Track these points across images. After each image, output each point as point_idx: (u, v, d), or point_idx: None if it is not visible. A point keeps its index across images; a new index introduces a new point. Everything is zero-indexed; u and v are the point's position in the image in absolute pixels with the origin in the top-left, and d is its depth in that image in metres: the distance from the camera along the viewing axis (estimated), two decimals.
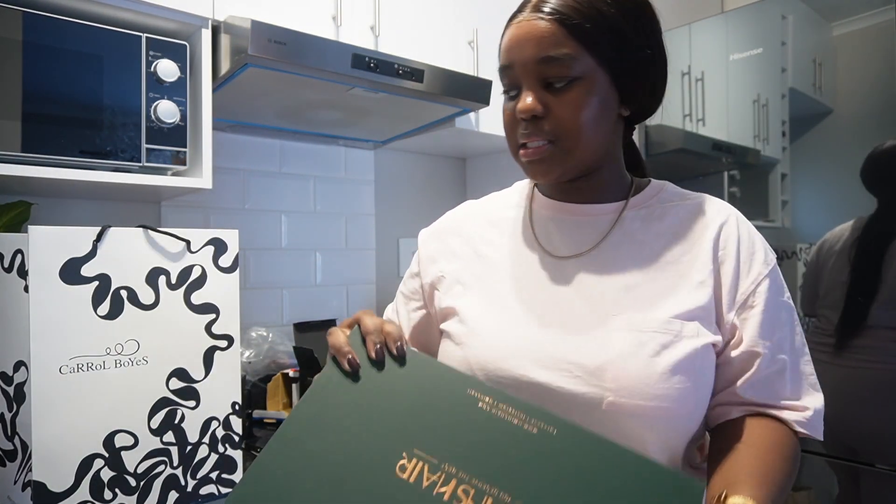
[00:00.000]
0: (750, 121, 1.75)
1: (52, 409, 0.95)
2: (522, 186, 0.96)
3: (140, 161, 1.32)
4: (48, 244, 0.95)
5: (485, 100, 1.78)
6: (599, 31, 0.75)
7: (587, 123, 0.76)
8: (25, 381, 0.95)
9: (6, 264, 1.01)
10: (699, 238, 0.80)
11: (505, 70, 0.79)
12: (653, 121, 1.97)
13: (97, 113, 1.27)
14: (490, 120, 2.01)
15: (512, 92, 0.80)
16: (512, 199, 0.94)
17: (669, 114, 1.93)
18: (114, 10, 1.35)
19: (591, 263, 0.81)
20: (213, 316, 1.12)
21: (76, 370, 0.96)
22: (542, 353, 0.76)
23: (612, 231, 0.82)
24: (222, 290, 1.13)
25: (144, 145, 1.32)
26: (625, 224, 0.83)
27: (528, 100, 0.76)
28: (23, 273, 0.96)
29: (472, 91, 1.74)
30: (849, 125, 1.55)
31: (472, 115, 1.97)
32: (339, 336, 0.70)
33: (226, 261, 1.13)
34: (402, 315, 0.97)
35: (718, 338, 0.76)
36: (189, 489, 1.07)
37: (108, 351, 1.00)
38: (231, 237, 1.14)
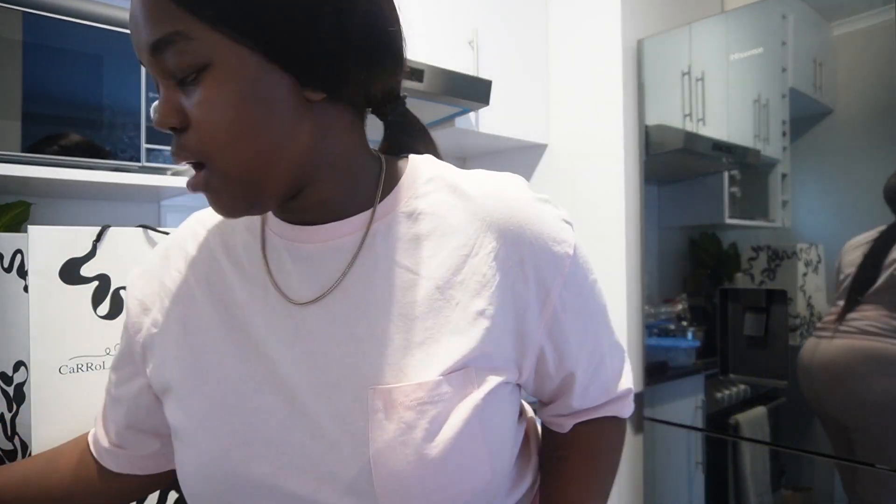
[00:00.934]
0: (750, 121, 1.75)
1: (52, 410, 0.95)
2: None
3: (140, 161, 1.32)
4: (48, 244, 0.94)
5: (485, 100, 1.78)
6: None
7: (236, 126, 0.51)
8: (25, 382, 0.95)
9: (6, 264, 1.01)
10: (476, 245, 0.59)
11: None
12: (653, 121, 1.97)
13: (97, 113, 1.27)
14: (490, 120, 2.01)
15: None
16: (243, 227, 0.67)
17: (669, 114, 1.93)
18: (114, 10, 1.34)
19: (334, 309, 0.59)
20: None
21: (76, 370, 0.96)
22: (296, 454, 0.56)
23: (356, 259, 0.59)
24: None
25: (144, 145, 1.32)
26: (374, 246, 0.59)
27: (160, 104, 0.52)
28: (22, 273, 0.96)
29: (472, 91, 1.74)
30: (849, 125, 1.55)
31: (472, 115, 1.97)
32: None
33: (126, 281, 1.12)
34: (113, 401, 0.74)
35: (510, 375, 0.60)
36: None
37: (107, 351, 0.99)
38: None
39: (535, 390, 0.68)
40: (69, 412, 0.96)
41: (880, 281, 1.51)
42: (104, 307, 0.99)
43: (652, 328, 1.98)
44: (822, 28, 1.61)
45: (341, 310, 0.58)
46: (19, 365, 0.97)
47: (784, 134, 1.69)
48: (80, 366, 0.97)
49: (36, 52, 1.20)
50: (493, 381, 0.57)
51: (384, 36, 0.57)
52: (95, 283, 0.98)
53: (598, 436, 0.72)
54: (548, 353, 0.62)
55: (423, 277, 0.58)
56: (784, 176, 1.69)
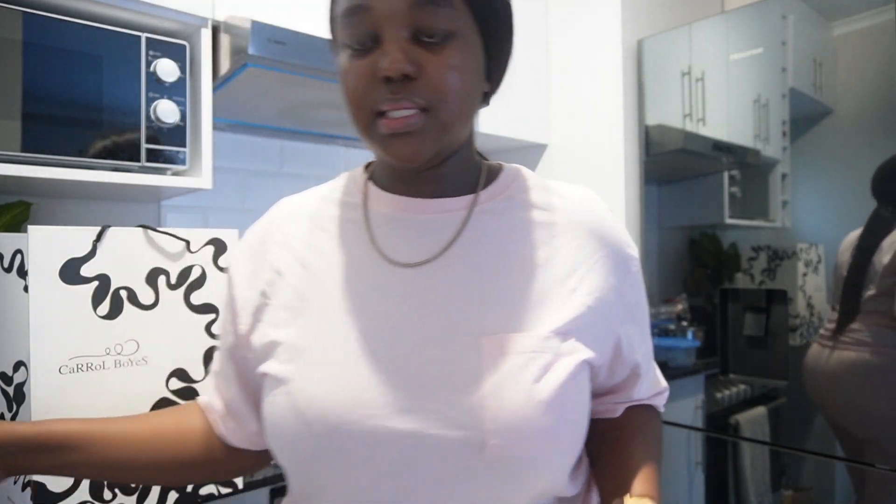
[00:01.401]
0: (750, 121, 1.75)
1: (52, 410, 0.95)
2: (352, 178, 0.75)
3: (140, 161, 1.32)
4: (48, 244, 0.94)
5: (485, 100, 1.78)
6: None
7: (464, 91, 0.61)
8: (25, 382, 0.95)
9: (6, 264, 1.01)
10: (569, 236, 0.67)
11: (357, 13, 0.60)
12: (653, 121, 1.97)
13: (97, 113, 1.27)
14: (490, 120, 2.01)
15: (363, 44, 0.60)
16: (340, 194, 0.74)
17: (669, 114, 1.93)
18: (114, 10, 1.35)
19: (443, 271, 0.65)
20: (213, 316, 1.12)
21: (76, 370, 0.96)
22: (400, 394, 0.59)
23: (464, 230, 0.66)
24: (222, 290, 1.13)
25: (144, 145, 1.32)
26: (479, 221, 0.67)
27: (396, 54, 0.58)
28: (22, 273, 0.96)
29: None
30: (849, 125, 1.55)
31: None
32: None
33: (226, 261, 1.13)
34: (223, 378, 0.77)
35: (597, 356, 0.65)
36: (189, 489, 1.07)
37: (107, 351, 0.99)
38: (231, 237, 1.14)
39: (602, 380, 0.72)
40: (69, 412, 0.96)
41: (873, 290, 1.51)
42: (104, 307, 0.99)
43: (652, 328, 1.97)
44: (822, 28, 1.61)
45: (451, 270, 0.65)
46: (19, 365, 0.97)
47: (784, 134, 1.69)
48: (80, 366, 0.96)
49: (36, 52, 1.20)
50: (587, 353, 0.63)
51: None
52: (95, 283, 0.98)
53: (649, 414, 0.78)
54: (623, 342, 0.69)
55: (526, 253, 0.66)
56: (784, 176, 1.69)
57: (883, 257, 1.50)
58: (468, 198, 0.69)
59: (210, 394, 0.79)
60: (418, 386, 0.59)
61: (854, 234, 1.56)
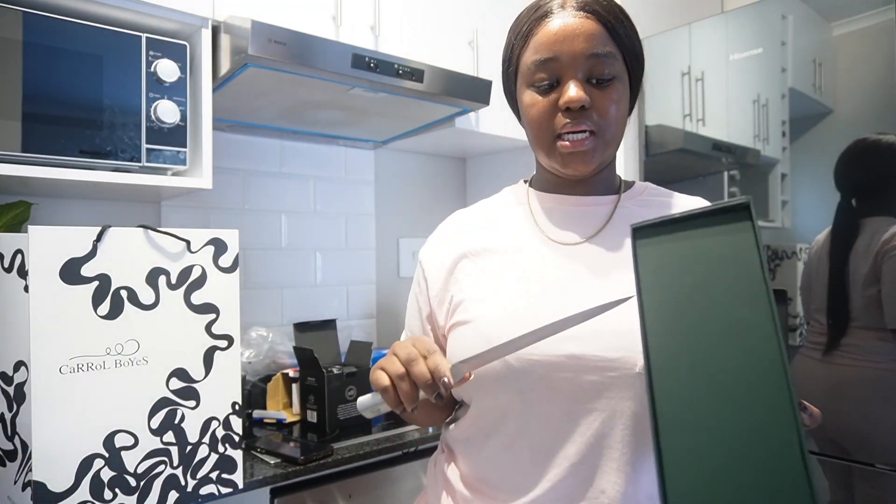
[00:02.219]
0: (750, 121, 1.75)
1: (53, 409, 0.95)
2: (514, 190, 0.98)
3: (140, 161, 1.32)
4: (48, 244, 0.95)
5: (485, 100, 1.78)
6: (628, 37, 0.84)
7: (622, 118, 0.84)
8: (25, 381, 0.95)
9: (6, 264, 1.01)
10: None
11: (547, 62, 0.81)
12: (653, 121, 1.97)
13: (97, 113, 1.27)
14: (490, 120, 2.01)
15: (548, 83, 0.82)
16: (506, 201, 0.96)
17: (669, 114, 1.93)
18: (114, 10, 1.35)
19: (597, 247, 0.85)
20: (213, 316, 1.12)
21: (76, 370, 0.96)
22: (571, 331, 0.75)
23: (612, 218, 0.87)
24: (222, 290, 1.13)
25: (144, 145, 1.32)
26: (624, 212, 0.88)
27: (578, 91, 0.79)
28: (23, 273, 0.96)
29: (472, 91, 1.74)
30: (849, 125, 1.55)
31: (472, 115, 1.97)
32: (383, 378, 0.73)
33: (226, 261, 1.13)
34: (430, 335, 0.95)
35: None
36: (189, 489, 1.07)
37: (108, 351, 1.00)
38: (231, 237, 1.14)
39: None
40: (69, 412, 0.97)
41: (859, 301, 1.50)
42: (104, 307, 0.99)
43: None
44: (821, 28, 1.61)
45: (600, 248, 0.85)
46: (20, 365, 0.97)
47: (784, 134, 1.69)
48: (80, 366, 0.97)
49: (36, 52, 1.20)
50: None
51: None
52: (96, 283, 0.98)
53: None
54: None
55: None
56: (784, 176, 1.69)
57: (860, 265, 1.49)
58: (613, 196, 0.91)
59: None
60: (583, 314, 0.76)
61: (822, 237, 1.55)
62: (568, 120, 0.80)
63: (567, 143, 0.81)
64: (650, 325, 0.63)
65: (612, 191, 0.92)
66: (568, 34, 0.80)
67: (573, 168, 0.83)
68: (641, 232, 0.68)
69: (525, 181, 0.98)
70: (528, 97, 0.84)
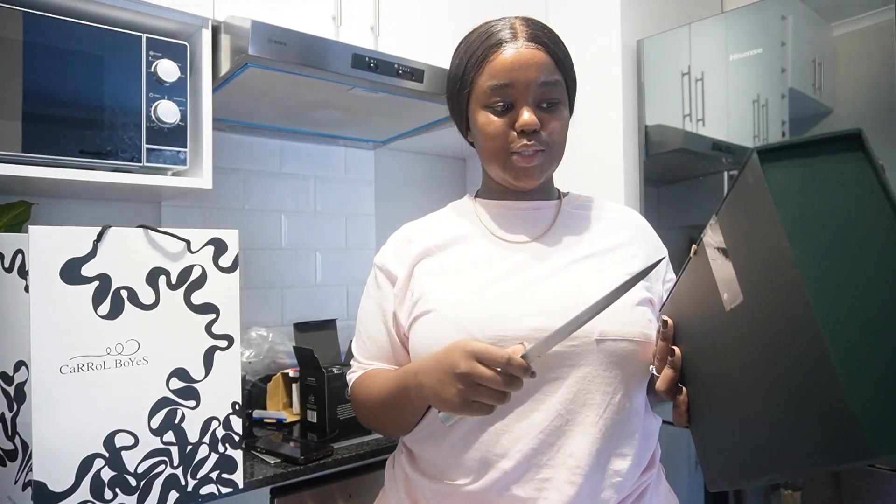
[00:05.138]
0: (750, 121, 1.75)
1: (53, 409, 0.95)
2: (461, 203, 1.07)
3: (140, 161, 1.32)
4: (48, 244, 0.95)
5: None
6: (569, 66, 0.96)
7: (565, 136, 0.96)
8: (26, 381, 0.95)
9: (6, 264, 1.01)
10: (626, 226, 1.01)
11: (503, 87, 0.90)
12: (653, 121, 1.97)
13: (97, 113, 1.27)
14: None
15: (503, 105, 0.91)
16: (454, 214, 1.05)
17: (669, 114, 1.93)
18: (114, 10, 1.35)
19: (546, 244, 0.95)
20: (213, 316, 1.12)
21: (76, 370, 0.96)
22: (531, 305, 0.86)
23: (557, 220, 0.99)
24: (222, 289, 1.13)
25: (144, 145, 1.32)
26: (566, 215, 1.00)
27: (531, 116, 0.89)
28: (23, 273, 0.96)
29: None
30: (849, 125, 1.54)
31: None
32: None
33: (226, 261, 1.13)
34: (392, 336, 1.00)
35: (650, 294, 0.93)
36: (189, 489, 1.08)
37: (108, 351, 1.00)
38: (231, 237, 1.14)
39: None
40: (70, 412, 0.97)
41: None
42: (105, 307, 0.99)
43: None
44: (821, 28, 1.61)
45: (548, 245, 0.95)
46: (20, 365, 0.98)
47: (784, 134, 1.69)
48: (80, 365, 0.97)
49: (36, 52, 1.20)
50: (645, 293, 0.92)
51: None
52: (96, 283, 0.98)
53: None
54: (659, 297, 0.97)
55: (598, 237, 0.97)
56: None
57: None
58: (555, 201, 1.03)
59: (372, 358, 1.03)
60: (543, 300, 0.86)
61: None
62: (524, 141, 0.90)
63: (520, 159, 0.91)
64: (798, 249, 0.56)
65: (552, 197, 1.04)
66: (522, 63, 0.90)
67: (524, 181, 0.94)
68: (766, 155, 0.60)
69: (469, 195, 1.08)
70: (484, 117, 0.93)
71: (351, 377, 1.04)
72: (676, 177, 1.98)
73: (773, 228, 0.57)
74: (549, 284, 0.90)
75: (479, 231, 0.99)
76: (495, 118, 0.92)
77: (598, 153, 2.05)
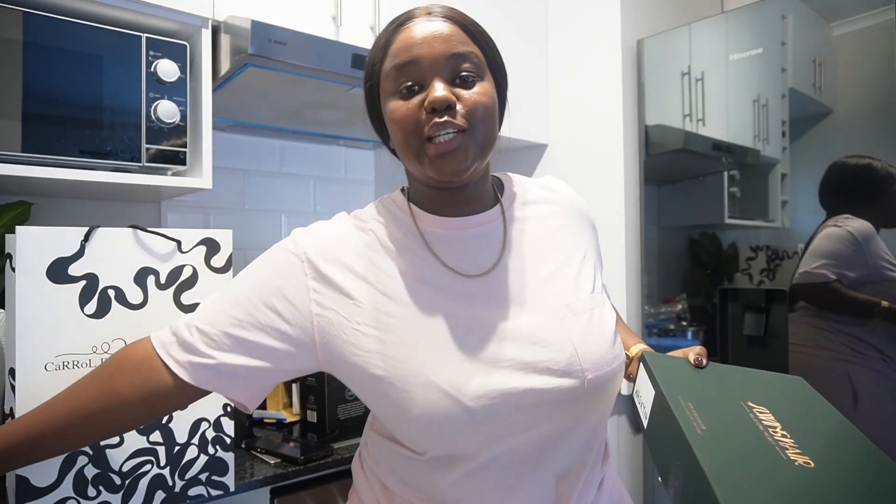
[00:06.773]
0: (750, 121, 1.74)
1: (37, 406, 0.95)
2: (391, 202, 0.89)
3: (140, 161, 1.33)
4: (36, 244, 0.95)
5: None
6: (487, 43, 0.83)
7: (491, 118, 0.79)
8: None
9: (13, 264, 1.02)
10: (568, 219, 0.92)
11: (407, 65, 0.77)
12: (653, 121, 1.97)
13: (97, 113, 1.28)
14: None
15: (410, 85, 0.77)
16: (392, 217, 0.86)
17: (669, 114, 1.92)
18: (114, 10, 1.36)
19: (506, 273, 0.83)
20: None
21: (61, 367, 0.96)
22: (516, 363, 0.75)
23: (507, 238, 0.86)
24: (214, 290, 1.13)
25: (144, 145, 1.33)
26: (514, 227, 0.88)
27: (442, 90, 0.75)
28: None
29: None
30: (849, 125, 1.54)
31: None
32: None
33: (219, 261, 1.13)
34: (245, 347, 0.79)
35: (606, 295, 0.91)
36: (177, 490, 1.07)
37: (94, 349, 1.00)
38: (224, 237, 1.14)
39: None
40: None
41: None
42: (91, 306, 1.00)
43: (652, 328, 1.97)
44: (821, 28, 1.60)
45: (508, 274, 0.83)
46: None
47: (784, 134, 1.68)
48: (65, 363, 0.97)
49: (36, 52, 1.21)
50: (606, 297, 0.90)
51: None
52: (83, 283, 0.99)
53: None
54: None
55: (551, 241, 0.88)
56: (784, 176, 1.68)
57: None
58: (496, 209, 0.88)
59: (202, 351, 0.79)
60: (528, 356, 0.76)
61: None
62: (435, 119, 0.75)
63: (436, 146, 0.75)
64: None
65: (492, 200, 0.88)
66: (426, 37, 0.77)
67: (447, 172, 0.77)
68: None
69: (402, 190, 0.91)
70: (392, 104, 0.79)
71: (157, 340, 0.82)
72: (676, 177, 1.97)
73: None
74: (529, 330, 0.79)
75: (427, 262, 0.82)
76: (402, 102, 0.77)
77: (597, 153, 2.04)
